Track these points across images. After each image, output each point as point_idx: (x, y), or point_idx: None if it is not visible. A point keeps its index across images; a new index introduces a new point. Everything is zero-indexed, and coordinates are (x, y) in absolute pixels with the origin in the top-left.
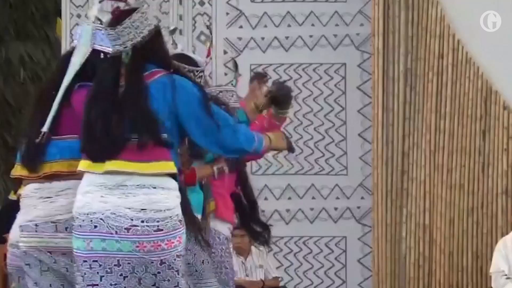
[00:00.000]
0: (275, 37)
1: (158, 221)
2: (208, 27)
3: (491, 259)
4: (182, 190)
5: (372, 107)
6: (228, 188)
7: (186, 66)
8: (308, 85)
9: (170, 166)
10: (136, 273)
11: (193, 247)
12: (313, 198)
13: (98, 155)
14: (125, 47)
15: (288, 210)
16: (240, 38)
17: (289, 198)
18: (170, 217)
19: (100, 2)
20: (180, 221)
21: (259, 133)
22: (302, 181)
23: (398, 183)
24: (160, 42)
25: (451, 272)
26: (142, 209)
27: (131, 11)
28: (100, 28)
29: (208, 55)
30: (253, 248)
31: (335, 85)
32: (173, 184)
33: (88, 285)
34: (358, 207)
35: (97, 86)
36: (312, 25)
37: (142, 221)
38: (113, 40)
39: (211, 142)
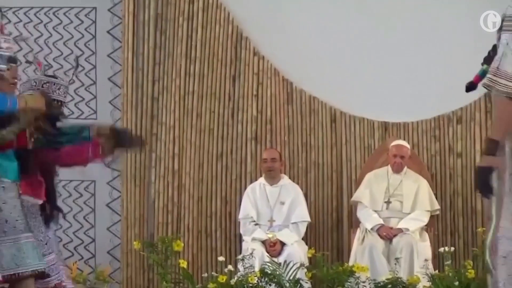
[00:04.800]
0: None
1: None
2: None
3: (239, 205)
4: None
5: (122, 51)
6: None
7: None
8: (58, 28)
9: None
10: None
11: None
12: None
13: None
14: None
15: None
16: None
17: None
18: None
19: None
20: None
21: (13, 95)
22: None
23: (147, 127)
24: None
25: (200, 217)
26: None
27: None
28: None
29: (40, 66)
30: None
31: (85, 29)
32: None
33: None
34: None
35: None
36: None
37: None
38: None
39: None
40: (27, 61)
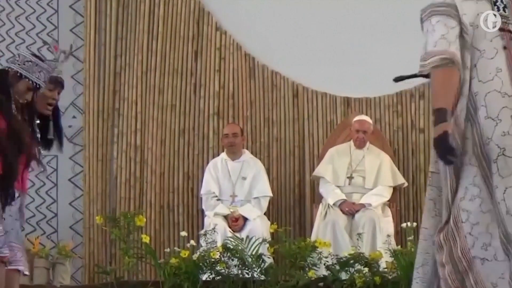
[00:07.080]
0: None
1: None
2: None
3: (202, 180)
4: None
5: (85, 26)
6: None
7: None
8: (20, 3)
9: None
10: None
11: None
12: None
13: None
14: None
15: None
16: None
17: None
18: None
19: None
20: None
21: None
22: None
23: (109, 103)
24: None
25: (162, 192)
26: None
27: None
28: None
29: (56, 50)
30: None
31: (48, 4)
32: None
33: None
34: (70, 126)
35: None
36: None
37: None
38: None
39: None
40: (44, 42)
